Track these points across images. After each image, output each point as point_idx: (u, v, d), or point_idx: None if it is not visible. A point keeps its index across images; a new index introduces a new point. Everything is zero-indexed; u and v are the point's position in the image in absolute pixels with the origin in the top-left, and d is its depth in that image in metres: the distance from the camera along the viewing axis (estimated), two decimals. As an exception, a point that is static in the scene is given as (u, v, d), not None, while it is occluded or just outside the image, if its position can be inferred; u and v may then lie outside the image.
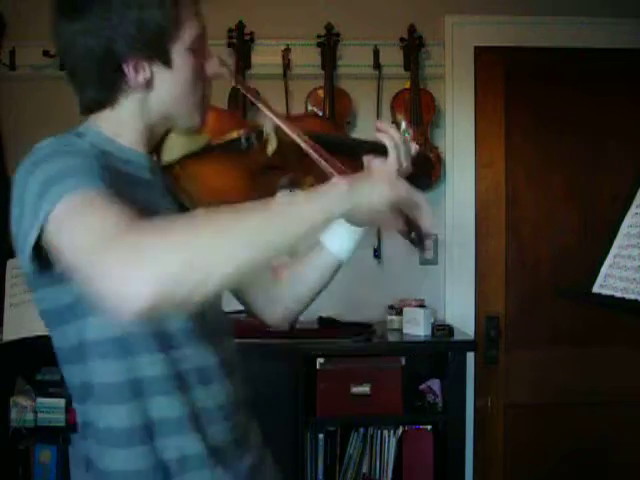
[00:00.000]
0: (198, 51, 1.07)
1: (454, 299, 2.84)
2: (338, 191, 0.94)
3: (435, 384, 2.55)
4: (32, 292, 1.07)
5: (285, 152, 1.15)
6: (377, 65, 2.76)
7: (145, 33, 1.01)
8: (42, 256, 0.96)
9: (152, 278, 0.80)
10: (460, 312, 2.81)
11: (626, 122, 2.84)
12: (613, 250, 1.53)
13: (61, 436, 2.44)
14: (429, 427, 2.50)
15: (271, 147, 1.16)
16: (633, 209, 1.54)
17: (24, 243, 0.95)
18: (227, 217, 0.88)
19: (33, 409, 2.38)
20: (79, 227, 0.88)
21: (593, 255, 1.57)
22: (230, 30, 2.71)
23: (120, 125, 1.08)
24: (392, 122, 2.77)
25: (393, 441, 2.48)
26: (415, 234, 1.02)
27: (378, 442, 2.49)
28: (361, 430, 2.50)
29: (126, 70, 1.03)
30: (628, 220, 1.54)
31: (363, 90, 2.78)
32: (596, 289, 1.51)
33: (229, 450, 1.11)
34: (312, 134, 1.13)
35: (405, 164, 1.14)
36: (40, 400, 2.40)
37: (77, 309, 1.02)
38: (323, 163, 1.06)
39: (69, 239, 0.88)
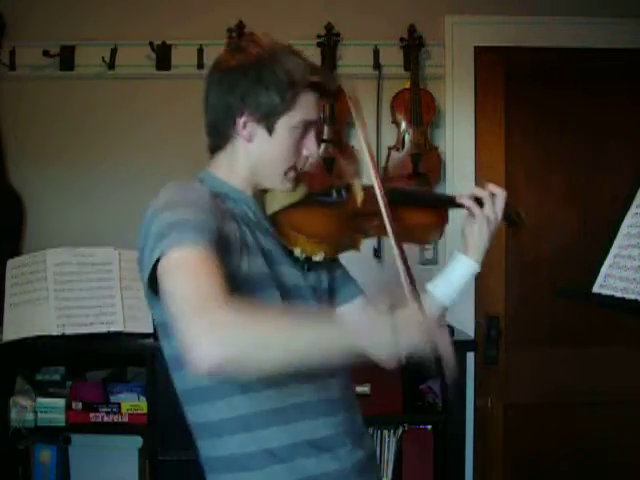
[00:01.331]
0: (302, 133, 1.30)
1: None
2: (384, 339, 1.09)
3: (435, 384, 2.55)
4: (150, 308, 1.28)
5: (372, 203, 1.32)
6: (377, 65, 2.76)
7: (260, 105, 1.26)
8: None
9: (223, 353, 0.99)
10: (460, 312, 2.80)
11: (626, 122, 2.84)
12: (613, 250, 1.53)
13: (61, 436, 2.44)
14: (429, 427, 2.50)
15: (360, 198, 1.37)
16: (633, 209, 1.54)
17: (144, 272, 1.15)
18: (297, 330, 1.06)
19: (33, 409, 2.38)
20: (185, 282, 1.06)
21: (593, 255, 1.57)
22: (230, 30, 2.71)
23: (230, 168, 1.33)
24: (392, 122, 2.77)
25: (393, 441, 2.48)
26: (435, 366, 1.18)
27: (378, 442, 2.49)
28: (361, 430, 2.49)
29: (237, 123, 1.28)
30: (628, 220, 1.54)
31: (363, 90, 2.78)
32: (596, 289, 1.51)
33: (337, 441, 1.26)
34: (395, 189, 1.37)
35: (494, 218, 1.40)
36: (40, 400, 2.40)
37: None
38: (390, 230, 1.27)
39: (172, 287, 1.07)
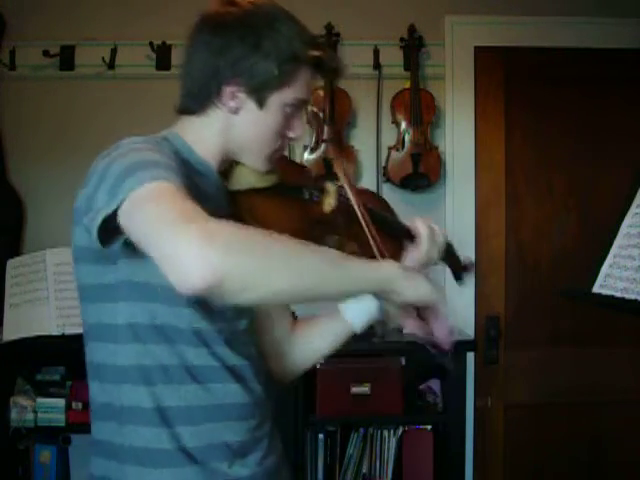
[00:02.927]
0: (292, 112, 1.18)
1: (454, 299, 2.83)
2: (394, 272, 1.09)
3: (435, 384, 2.55)
4: (77, 265, 1.14)
5: (339, 214, 1.25)
6: (377, 65, 2.76)
7: (255, 75, 1.13)
8: (105, 233, 1.01)
9: (220, 265, 0.87)
10: (460, 312, 2.80)
11: (626, 122, 2.84)
12: (613, 250, 1.53)
13: (61, 436, 2.44)
14: (429, 427, 2.50)
15: (329, 206, 1.25)
16: (633, 209, 1.55)
17: (93, 218, 1.01)
18: (303, 247, 0.99)
19: (33, 409, 2.38)
20: (164, 205, 0.93)
21: (593, 255, 1.57)
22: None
23: (201, 135, 1.19)
24: (392, 122, 2.77)
25: (393, 441, 2.48)
26: (427, 340, 1.18)
27: (378, 442, 2.49)
28: (361, 430, 2.50)
29: (224, 91, 1.15)
30: (628, 220, 1.54)
31: (363, 90, 2.78)
32: (596, 289, 1.51)
33: (249, 447, 1.16)
34: (368, 208, 1.26)
35: (433, 256, 1.30)
36: (40, 400, 2.40)
37: (115, 292, 1.10)
38: (371, 240, 1.20)
39: (149, 213, 0.93)
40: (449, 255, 1.39)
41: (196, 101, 1.18)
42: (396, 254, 1.29)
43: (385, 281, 1.09)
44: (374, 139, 2.79)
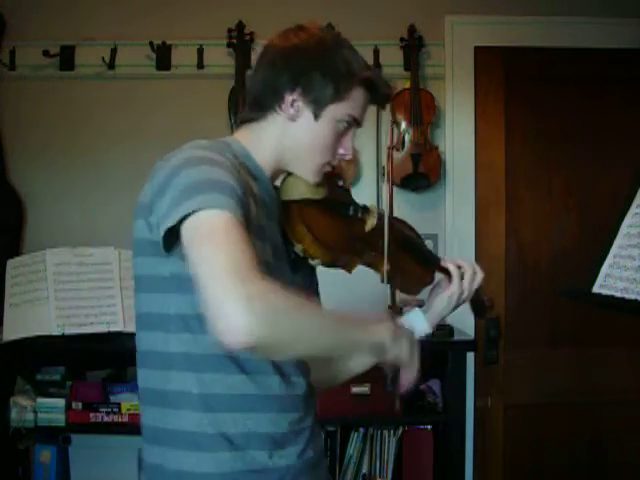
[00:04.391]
0: (344, 129, 1.28)
1: (454, 299, 2.83)
2: (386, 338, 1.18)
3: (435, 384, 2.55)
4: (135, 256, 1.21)
5: (378, 236, 1.35)
6: (377, 65, 2.76)
7: (315, 87, 1.24)
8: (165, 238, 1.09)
9: (258, 334, 0.96)
10: (460, 312, 2.79)
11: (626, 122, 2.84)
12: (613, 250, 1.53)
13: (61, 436, 2.44)
14: (429, 427, 2.50)
15: (371, 225, 1.37)
16: (633, 209, 1.55)
17: (158, 224, 1.10)
18: (323, 317, 1.11)
19: (33, 409, 2.38)
20: (220, 249, 1.01)
21: (593, 255, 1.57)
22: (230, 30, 2.71)
23: (259, 139, 1.28)
24: (392, 122, 2.77)
25: (393, 441, 2.48)
26: (392, 382, 1.31)
27: (378, 442, 2.49)
28: (361, 430, 2.50)
29: (285, 98, 1.25)
30: (628, 220, 1.54)
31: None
32: (596, 289, 1.51)
33: (289, 439, 1.22)
34: (403, 236, 1.41)
35: (466, 295, 1.42)
36: (40, 400, 2.39)
37: (168, 284, 1.16)
38: (386, 266, 1.33)
39: (205, 254, 1.01)
40: (475, 297, 1.48)
41: (260, 108, 1.28)
42: (422, 281, 1.45)
43: (379, 344, 1.18)
44: (374, 139, 2.79)
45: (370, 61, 2.75)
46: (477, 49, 2.84)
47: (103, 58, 2.71)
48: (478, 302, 1.51)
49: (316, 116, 1.25)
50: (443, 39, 2.82)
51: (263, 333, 0.97)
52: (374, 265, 1.37)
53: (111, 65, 2.71)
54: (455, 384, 2.47)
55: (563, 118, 2.87)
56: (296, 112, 1.25)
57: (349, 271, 1.34)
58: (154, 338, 1.19)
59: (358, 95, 1.27)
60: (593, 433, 2.85)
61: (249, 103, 1.30)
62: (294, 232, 1.26)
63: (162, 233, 1.08)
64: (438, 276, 1.45)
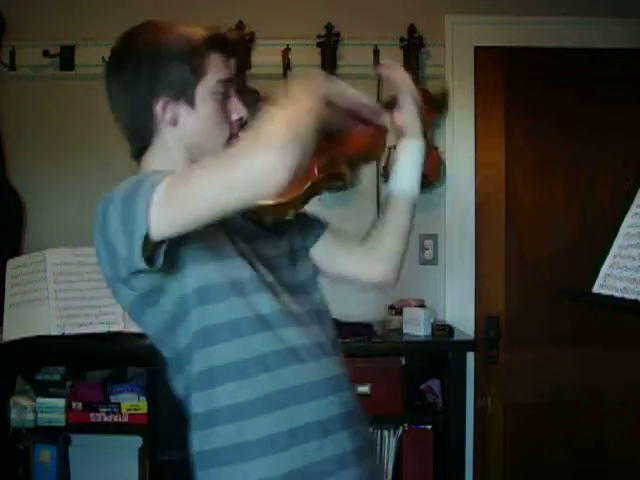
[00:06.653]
0: (223, 96, 1.23)
1: (454, 299, 2.84)
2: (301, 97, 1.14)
3: (435, 384, 2.55)
4: (139, 321, 1.22)
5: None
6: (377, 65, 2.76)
7: (171, 81, 1.19)
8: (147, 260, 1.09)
9: (278, 143, 1.00)
10: (460, 312, 2.81)
11: (626, 122, 2.84)
12: (613, 250, 1.53)
13: (61, 436, 2.44)
14: (429, 427, 2.50)
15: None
16: (633, 209, 1.54)
17: (130, 256, 1.08)
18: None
19: (33, 409, 2.38)
20: (195, 180, 1.05)
21: (593, 255, 1.57)
22: (230, 30, 2.71)
23: (166, 159, 1.23)
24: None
25: (393, 441, 2.48)
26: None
27: (378, 442, 2.49)
28: (361, 430, 2.49)
29: (155, 110, 1.20)
30: (628, 220, 1.54)
31: (363, 90, 2.77)
32: (596, 289, 1.51)
33: (339, 424, 1.21)
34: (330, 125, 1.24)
35: (408, 100, 1.34)
36: (40, 400, 2.40)
37: (179, 316, 1.17)
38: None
39: (195, 191, 1.04)
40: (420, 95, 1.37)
41: (142, 136, 1.24)
42: (380, 138, 1.34)
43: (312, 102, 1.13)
44: (374, 139, 2.79)
45: (370, 61, 2.76)
46: (477, 49, 2.84)
47: (103, 58, 2.69)
48: (432, 99, 1.43)
49: (192, 104, 1.21)
50: (443, 39, 2.82)
51: (287, 145, 1.00)
52: (336, 168, 1.27)
53: (111, 65, 2.71)
54: (455, 384, 2.47)
55: (563, 118, 2.87)
56: (172, 115, 1.21)
57: (318, 194, 1.27)
58: (198, 359, 1.19)
59: (214, 59, 1.22)
60: (593, 433, 2.84)
61: (129, 137, 1.27)
62: (252, 213, 1.22)
63: (138, 250, 1.06)
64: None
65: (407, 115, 1.34)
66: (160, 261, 1.09)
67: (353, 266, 1.43)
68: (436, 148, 2.78)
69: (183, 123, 1.22)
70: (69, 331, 2.36)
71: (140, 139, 1.25)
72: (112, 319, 2.39)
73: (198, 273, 1.15)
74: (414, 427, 2.49)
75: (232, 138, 1.25)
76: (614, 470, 2.82)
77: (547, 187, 2.89)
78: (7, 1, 2.73)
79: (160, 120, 1.21)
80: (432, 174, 2.75)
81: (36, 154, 2.77)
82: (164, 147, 1.24)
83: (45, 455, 2.45)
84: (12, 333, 2.36)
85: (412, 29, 2.77)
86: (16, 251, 2.69)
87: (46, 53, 2.68)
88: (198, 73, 1.20)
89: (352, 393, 1.28)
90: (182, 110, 1.21)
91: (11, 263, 2.50)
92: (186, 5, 2.76)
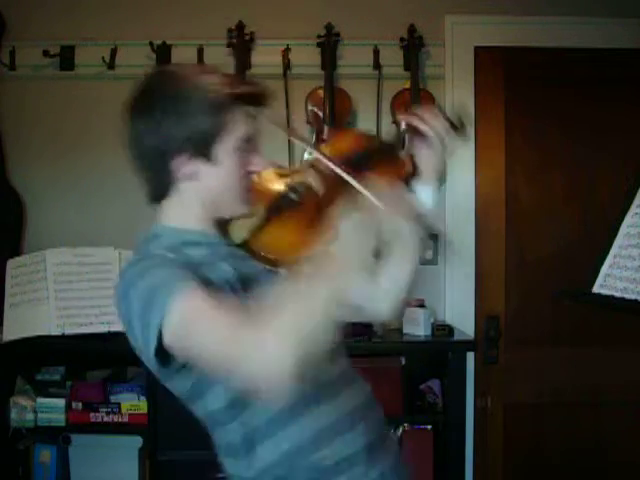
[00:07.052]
0: (245, 151, 1.20)
1: (454, 299, 2.84)
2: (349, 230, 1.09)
3: (435, 384, 2.55)
4: (165, 384, 1.23)
5: (330, 185, 1.27)
6: (377, 65, 2.76)
7: (194, 137, 1.15)
8: (163, 352, 1.10)
9: (285, 347, 0.98)
10: (460, 312, 2.81)
11: (626, 122, 2.84)
12: (613, 250, 1.53)
13: (61, 436, 2.44)
14: (429, 427, 2.50)
15: (317, 189, 1.29)
16: (633, 209, 1.55)
17: (147, 350, 1.10)
18: (302, 289, 1.04)
19: (33, 409, 2.38)
20: (203, 330, 1.04)
21: (593, 255, 1.57)
22: (230, 30, 2.71)
23: (184, 212, 1.23)
24: (392, 122, 2.77)
25: (393, 441, 2.48)
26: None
27: (378, 442, 2.49)
28: (361, 430, 2.49)
29: (174, 165, 1.18)
30: (628, 220, 1.54)
31: (363, 90, 2.78)
32: (596, 289, 1.51)
33: (375, 446, 1.26)
34: (348, 157, 1.28)
35: (440, 129, 1.36)
36: (40, 400, 2.40)
37: (199, 388, 1.19)
38: (365, 191, 1.19)
39: (199, 343, 1.04)
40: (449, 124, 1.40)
41: (161, 190, 1.22)
42: (399, 171, 1.41)
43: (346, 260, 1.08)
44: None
45: (370, 61, 2.76)
46: (477, 49, 2.84)
47: (103, 58, 2.71)
48: (452, 125, 1.44)
49: (212, 162, 1.18)
50: (443, 39, 2.82)
51: (289, 347, 0.98)
52: (354, 204, 1.27)
53: (111, 65, 2.71)
54: (455, 384, 2.47)
55: (563, 118, 2.87)
56: (192, 171, 1.18)
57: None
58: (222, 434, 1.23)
59: (237, 114, 1.18)
60: (593, 433, 2.84)
61: (146, 182, 1.24)
62: (268, 262, 1.22)
63: (154, 361, 1.10)
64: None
65: (427, 164, 1.41)
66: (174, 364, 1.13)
67: (361, 310, 1.42)
68: (436, 148, 2.77)
69: (204, 179, 1.19)
70: (69, 331, 2.36)
71: (157, 188, 1.23)
72: (112, 319, 2.39)
73: None
74: (414, 427, 2.49)
75: (249, 193, 1.24)
76: (614, 470, 2.82)
77: (547, 187, 2.89)
78: (7, 1, 2.73)
79: (179, 175, 1.19)
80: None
81: (36, 154, 2.77)
82: (182, 199, 1.22)
83: (45, 455, 2.45)
84: (12, 333, 2.36)
85: (412, 29, 2.77)
86: (16, 251, 2.69)
87: (46, 53, 2.68)
88: (221, 130, 1.16)
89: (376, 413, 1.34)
90: (202, 166, 1.18)
91: (11, 263, 2.50)
92: (186, 5, 2.76)
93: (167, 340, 1.06)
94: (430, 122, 1.35)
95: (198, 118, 1.15)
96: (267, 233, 1.24)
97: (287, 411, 1.17)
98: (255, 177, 1.25)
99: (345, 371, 1.29)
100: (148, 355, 1.11)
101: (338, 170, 1.22)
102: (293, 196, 1.28)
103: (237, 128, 1.18)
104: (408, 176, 1.42)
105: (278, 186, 1.32)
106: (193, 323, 1.04)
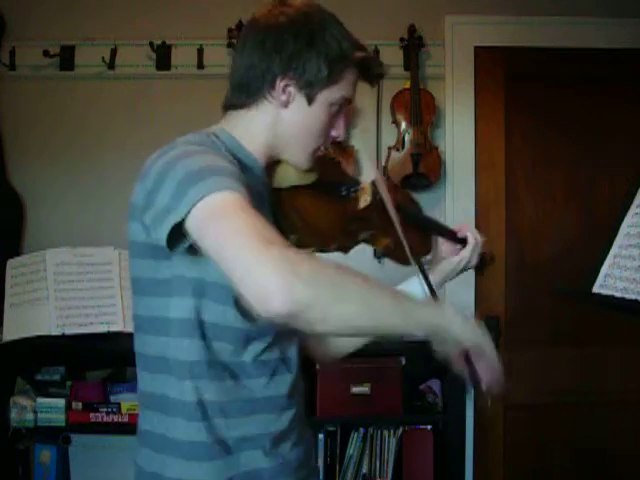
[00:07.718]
0: (336, 111, 1.22)
1: (454, 299, 2.83)
2: (454, 320, 1.09)
3: (435, 384, 2.55)
4: (132, 258, 1.19)
5: (374, 211, 1.30)
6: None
7: (307, 71, 1.17)
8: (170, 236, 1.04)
9: (304, 296, 0.90)
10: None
11: (626, 122, 2.84)
12: (613, 250, 1.53)
13: (61, 436, 2.44)
14: (429, 427, 2.50)
15: (364, 202, 1.31)
16: (633, 209, 1.55)
17: (157, 220, 1.05)
18: (373, 283, 0.99)
19: (33, 409, 2.38)
20: (238, 222, 0.95)
21: (593, 255, 1.57)
22: (230, 30, 2.71)
23: (250, 129, 1.21)
24: (392, 122, 2.77)
25: (393, 441, 2.48)
26: (471, 379, 1.24)
27: (378, 442, 2.49)
28: (361, 430, 2.50)
29: (277, 84, 1.18)
30: (628, 220, 1.54)
31: (363, 90, 2.77)
32: (596, 289, 1.51)
33: (285, 436, 1.22)
34: (401, 206, 1.33)
35: (475, 261, 1.45)
36: (40, 400, 2.40)
37: (169, 287, 1.13)
38: (403, 240, 1.25)
39: (223, 230, 0.96)
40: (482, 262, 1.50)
41: (248, 94, 1.20)
42: (423, 249, 1.44)
43: (444, 328, 1.10)
44: (374, 139, 2.79)
45: (370, 61, 2.76)
46: (477, 49, 2.83)
47: (103, 58, 2.70)
48: (481, 261, 1.51)
49: (310, 101, 1.19)
50: (443, 39, 2.82)
51: (310, 295, 0.91)
52: (371, 242, 1.34)
53: (111, 65, 2.71)
54: (455, 384, 2.47)
55: (563, 118, 2.87)
56: (288, 98, 1.19)
57: (345, 252, 1.30)
58: (155, 342, 1.17)
59: (351, 76, 1.22)
60: (593, 433, 2.84)
61: (233, 86, 1.23)
62: (287, 222, 1.21)
63: (167, 230, 1.02)
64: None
65: (450, 266, 1.45)
66: (180, 249, 1.07)
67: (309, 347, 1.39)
68: (436, 148, 2.78)
69: (291, 111, 1.20)
70: (69, 331, 2.36)
71: (241, 96, 1.21)
72: (112, 319, 2.40)
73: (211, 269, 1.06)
74: (414, 427, 2.50)
75: (317, 152, 1.25)
76: (614, 470, 2.82)
77: (547, 187, 2.89)
78: (7, 1, 2.73)
79: (274, 95, 1.19)
80: (432, 174, 2.75)
81: (36, 154, 2.76)
82: (257, 117, 1.21)
83: (45, 455, 2.45)
84: (12, 333, 2.36)
85: (412, 29, 2.77)
86: (16, 251, 2.69)
87: (46, 53, 2.67)
88: (333, 80, 1.19)
89: (300, 407, 1.27)
90: (298, 100, 1.19)
91: (11, 263, 2.50)
92: (186, 5, 2.76)
93: (192, 221, 1.00)
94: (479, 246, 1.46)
95: (322, 58, 1.17)
96: (306, 198, 1.25)
97: (228, 366, 1.15)
98: (329, 144, 1.27)
99: (298, 376, 1.26)
100: (160, 219, 1.04)
101: (392, 211, 1.26)
102: (345, 190, 1.31)
103: (345, 87, 1.21)
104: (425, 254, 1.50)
105: (338, 171, 1.36)
106: (230, 217, 0.97)
